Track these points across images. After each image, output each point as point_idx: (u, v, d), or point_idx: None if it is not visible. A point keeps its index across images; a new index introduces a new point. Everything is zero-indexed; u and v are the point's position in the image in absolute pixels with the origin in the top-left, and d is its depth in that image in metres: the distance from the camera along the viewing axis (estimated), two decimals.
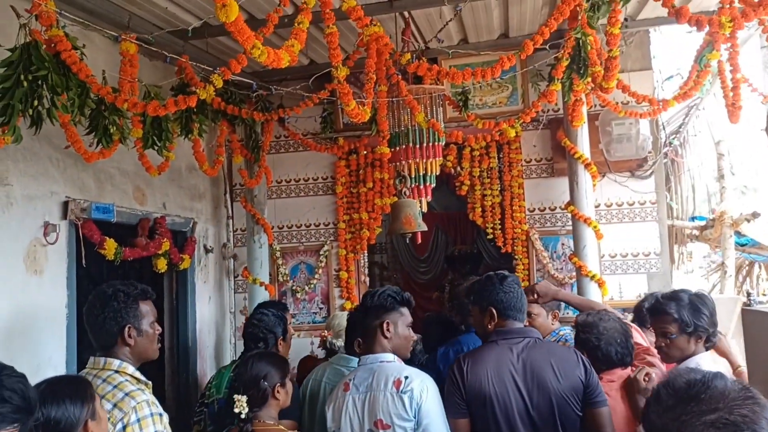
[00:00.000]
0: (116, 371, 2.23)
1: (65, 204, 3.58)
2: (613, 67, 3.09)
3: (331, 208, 5.49)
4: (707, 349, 2.58)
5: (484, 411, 2.42)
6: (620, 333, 2.69)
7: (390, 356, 2.60)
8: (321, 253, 5.44)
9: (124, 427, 2.08)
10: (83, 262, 3.63)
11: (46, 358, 3.33)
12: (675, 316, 2.51)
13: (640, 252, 4.94)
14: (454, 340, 3.44)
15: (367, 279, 5.60)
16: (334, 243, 5.45)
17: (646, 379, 2.59)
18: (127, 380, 2.20)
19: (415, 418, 2.40)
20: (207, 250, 5.22)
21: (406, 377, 2.46)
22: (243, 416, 2.46)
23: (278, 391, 2.55)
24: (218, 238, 5.47)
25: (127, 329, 2.27)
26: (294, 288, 5.44)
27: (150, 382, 2.32)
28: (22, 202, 3.30)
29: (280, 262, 5.46)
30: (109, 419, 2.08)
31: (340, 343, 3.59)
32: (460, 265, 7.97)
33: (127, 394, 2.14)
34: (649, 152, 4.92)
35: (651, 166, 4.97)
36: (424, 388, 2.44)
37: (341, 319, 3.70)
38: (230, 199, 5.59)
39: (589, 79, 3.65)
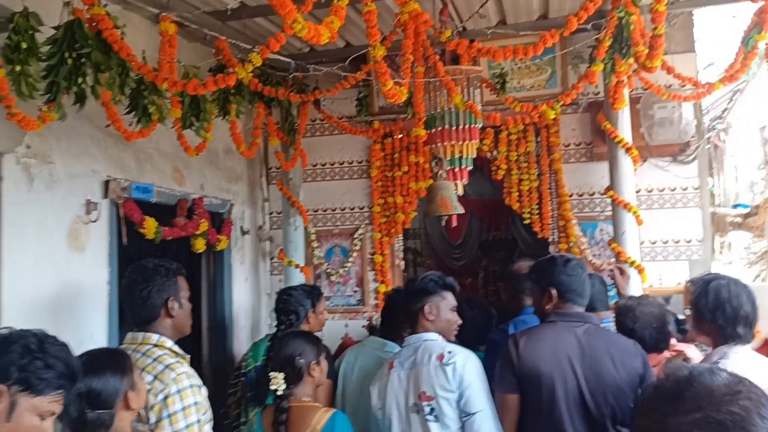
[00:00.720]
0: (155, 345, 2.27)
1: (106, 183, 3.65)
2: (657, 45, 3.00)
3: (365, 192, 5.48)
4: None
5: (537, 390, 2.39)
6: (657, 318, 2.68)
7: (434, 335, 2.66)
8: (355, 236, 5.45)
9: (165, 398, 2.12)
10: (123, 240, 3.70)
11: (89, 334, 3.41)
12: None
13: (681, 239, 4.83)
14: (519, 319, 3.34)
15: (402, 263, 5.60)
16: (369, 227, 5.45)
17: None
18: (165, 353, 2.24)
19: (457, 389, 2.44)
20: (243, 232, 5.27)
21: (449, 352, 2.53)
22: (279, 393, 2.49)
23: (313, 369, 2.58)
24: (254, 221, 5.52)
25: (170, 302, 2.31)
26: (328, 271, 5.47)
27: (188, 356, 2.36)
28: (65, 180, 3.37)
29: (315, 245, 5.49)
30: (149, 391, 2.13)
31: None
32: (495, 252, 7.93)
33: (166, 367, 2.18)
34: (692, 137, 4.79)
35: (694, 151, 4.83)
36: (467, 361, 2.50)
37: None
38: (266, 182, 5.63)
39: (632, 60, 3.56)
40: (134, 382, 2.04)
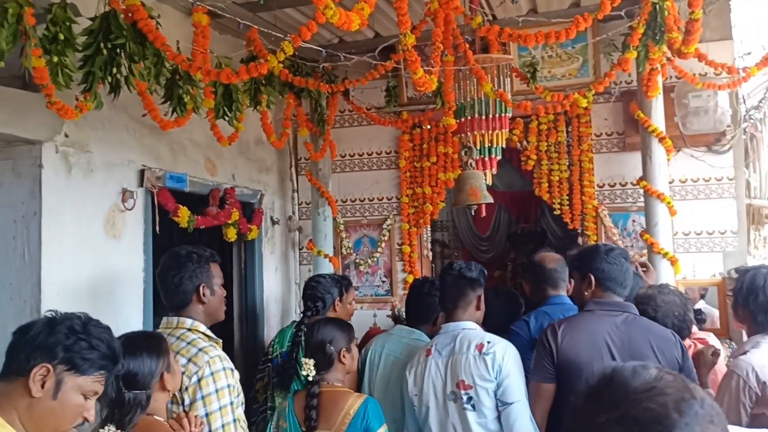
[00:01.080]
0: (189, 329, 2.32)
1: (141, 172, 3.72)
2: (694, 30, 2.95)
3: (394, 183, 5.49)
4: None
5: (575, 379, 2.36)
6: (678, 306, 2.67)
7: (473, 324, 2.69)
8: (384, 227, 5.47)
9: (199, 380, 2.17)
10: (157, 228, 3.77)
11: (125, 319, 3.49)
12: None
13: (715, 230, 4.74)
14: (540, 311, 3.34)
15: (430, 253, 5.60)
16: (397, 217, 5.46)
17: (713, 355, 2.53)
18: (199, 337, 2.29)
19: (496, 379, 2.47)
20: (273, 222, 5.33)
21: (488, 342, 2.56)
22: (311, 379, 2.53)
23: (344, 356, 2.61)
24: (284, 211, 5.58)
25: (201, 288, 2.36)
26: (357, 261, 5.50)
27: (220, 340, 2.40)
28: (102, 168, 3.45)
29: (343, 235, 5.53)
30: (184, 373, 2.18)
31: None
32: (523, 244, 7.87)
33: (200, 350, 2.22)
34: (728, 126, 4.68)
35: (729, 141, 4.73)
36: (506, 351, 2.52)
37: None
38: (296, 173, 5.68)
39: (665, 47, 3.50)
40: (170, 363, 2.09)
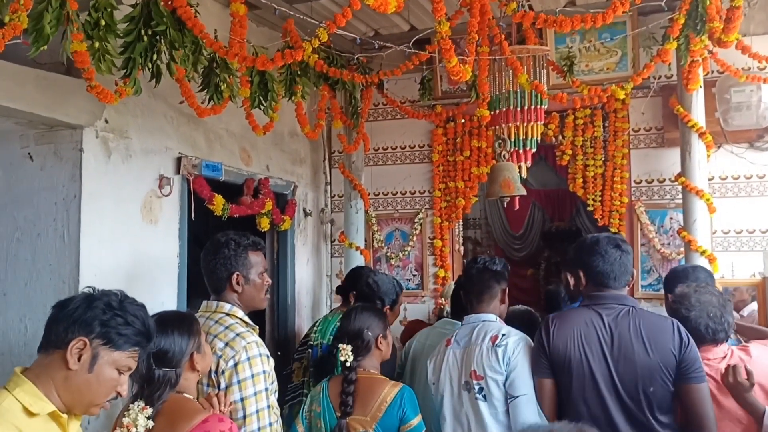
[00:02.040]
0: (227, 314, 2.33)
1: (178, 159, 3.79)
2: (734, 18, 2.87)
3: (426, 177, 5.48)
4: None
5: (567, 374, 2.37)
6: (716, 307, 2.51)
7: (493, 317, 2.70)
8: (416, 220, 5.46)
9: (236, 365, 2.18)
10: (192, 215, 3.84)
11: (159, 303, 3.56)
12: None
13: (756, 229, 4.61)
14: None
15: (462, 248, 5.58)
16: (429, 211, 5.45)
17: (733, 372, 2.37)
18: (236, 322, 2.31)
19: (505, 371, 2.47)
20: (306, 214, 5.37)
21: (503, 334, 2.56)
22: (348, 364, 2.54)
23: (381, 342, 2.64)
24: (317, 203, 5.62)
25: (235, 276, 2.36)
26: (388, 254, 5.51)
27: (257, 327, 2.42)
28: (140, 154, 3.52)
29: (375, 228, 5.54)
30: (221, 357, 2.20)
31: None
32: (557, 243, 7.77)
33: (237, 335, 2.24)
34: None
35: None
36: (518, 344, 2.51)
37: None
38: (329, 166, 5.71)
39: (707, 38, 3.42)
40: (200, 344, 2.12)
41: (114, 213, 3.32)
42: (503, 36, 3.63)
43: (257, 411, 2.17)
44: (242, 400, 2.16)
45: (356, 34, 4.93)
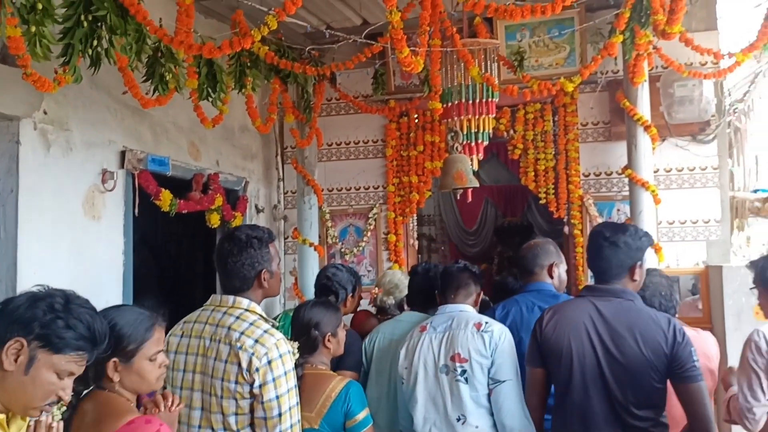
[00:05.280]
0: (246, 310, 2.24)
1: (122, 153, 3.67)
2: (678, 9, 2.95)
3: (380, 172, 5.47)
4: None
5: (557, 364, 2.38)
6: (665, 287, 2.75)
7: (470, 308, 2.79)
8: (370, 216, 5.44)
9: (270, 362, 2.10)
10: (136, 210, 3.71)
11: (104, 301, 3.41)
12: None
13: (699, 219, 4.76)
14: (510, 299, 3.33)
15: (416, 243, 5.59)
16: (383, 206, 5.44)
17: None
18: (258, 318, 2.22)
19: (491, 356, 2.55)
20: (258, 210, 5.29)
21: (486, 322, 2.65)
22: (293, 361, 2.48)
23: (329, 340, 2.57)
24: (269, 200, 5.53)
25: (263, 274, 2.28)
26: (343, 250, 5.47)
27: (277, 323, 2.34)
28: (82, 148, 3.39)
29: (329, 224, 5.49)
30: (253, 354, 2.10)
31: (390, 300, 3.62)
32: (509, 237, 7.88)
33: (265, 332, 2.16)
34: (712, 116, 4.72)
35: (714, 130, 4.76)
36: (503, 332, 2.62)
37: (392, 276, 3.75)
38: (281, 162, 5.64)
39: (651, 30, 3.50)
40: (138, 350, 1.99)
41: (54, 208, 3.19)
42: (455, 29, 3.64)
43: (290, 408, 2.12)
44: (278, 397, 2.09)
45: (308, 23, 4.89)
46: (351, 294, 3.25)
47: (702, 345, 2.68)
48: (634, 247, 2.37)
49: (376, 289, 3.86)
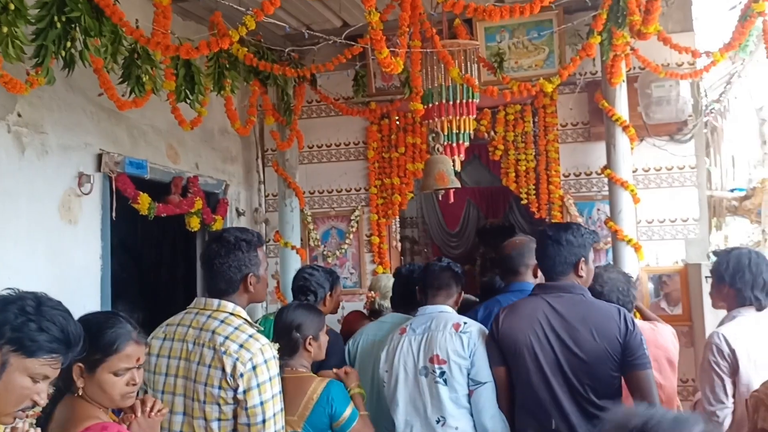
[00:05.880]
0: (231, 314, 2.20)
1: (99, 156, 3.62)
2: (653, 9, 2.98)
3: (362, 174, 5.45)
4: None
5: (516, 361, 2.43)
6: (623, 282, 2.83)
7: (450, 308, 2.77)
8: (352, 218, 5.42)
9: (254, 367, 2.07)
10: (113, 214, 3.67)
11: (81, 306, 3.34)
12: None
13: (678, 218, 4.81)
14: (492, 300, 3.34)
15: (399, 244, 5.58)
16: (366, 208, 5.43)
17: None
18: (243, 323, 2.19)
19: (470, 357, 2.54)
20: (239, 213, 5.25)
21: (465, 323, 2.64)
22: None
23: (310, 344, 2.55)
24: (250, 203, 5.50)
25: (249, 278, 2.24)
26: (325, 253, 5.44)
27: (262, 327, 2.32)
28: (57, 151, 3.35)
29: (311, 227, 5.46)
30: (237, 359, 2.07)
31: (387, 303, 3.63)
32: (492, 238, 7.90)
33: (250, 336, 2.13)
34: (689, 115, 4.77)
35: (691, 130, 4.82)
36: (481, 333, 2.60)
37: (387, 281, 3.79)
38: (262, 165, 5.60)
39: (627, 31, 3.53)
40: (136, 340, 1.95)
41: (30, 212, 3.14)
42: (434, 31, 3.64)
43: (274, 414, 2.10)
44: (262, 403, 2.07)
45: (287, 23, 4.87)
46: (330, 293, 3.24)
47: (656, 337, 2.81)
48: (576, 244, 2.47)
49: (372, 293, 3.88)
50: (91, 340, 1.77)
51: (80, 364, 1.78)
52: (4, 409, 1.54)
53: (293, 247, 5.16)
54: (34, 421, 1.76)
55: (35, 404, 1.60)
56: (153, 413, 1.93)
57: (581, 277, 2.48)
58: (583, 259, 2.47)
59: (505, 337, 2.45)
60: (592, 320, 2.36)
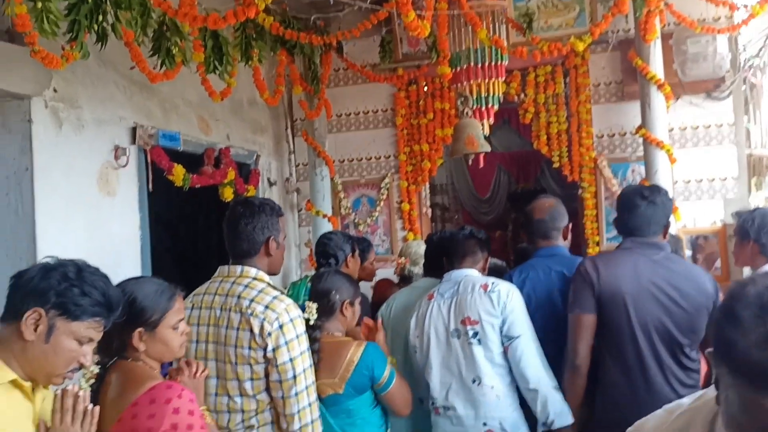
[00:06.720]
0: (254, 278, 2.28)
1: (133, 129, 3.68)
2: None
3: (391, 141, 5.44)
4: None
5: (616, 310, 2.48)
6: (672, 243, 2.86)
7: (476, 272, 2.82)
8: (382, 185, 5.43)
9: (281, 326, 2.15)
10: (150, 186, 3.74)
11: (122, 277, 3.46)
12: None
13: (716, 177, 4.70)
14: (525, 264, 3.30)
15: (429, 211, 5.58)
16: (395, 175, 5.43)
17: None
18: (266, 286, 2.26)
19: (501, 315, 2.59)
20: (270, 183, 5.30)
21: (493, 282, 2.68)
22: (311, 323, 2.52)
23: (346, 308, 2.61)
24: (281, 173, 5.54)
25: (270, 241, 2.32)
26: (356, 221, 5.48)
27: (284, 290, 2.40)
28: (93, 125, 3.41)
29: (342, 195, 5.49)
30: (264, 319, 2.15)
31: (417, 270, 3.68)
32: (523, 203, 7.83)
33: (275, 298, 2.21)
34: (727, 71, 4.63)
35: (729, 87, 4.67)
36: (510, 290, 2.65)
37: (417, 247, 3.83)
38: (292, 135, 5.63)
39: None
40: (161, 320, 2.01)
41: (69, 186, 3.22)
42: None
43: (304, 370, 2.18)
44: (291, 360, 2.15)
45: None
46: (351, 254, 3.36)
47: None
48: (668, 206, 2.60)
49: (402, 259, 3.93)
50: (145, 303, 1.87)
51: (140, 329, 1.87)
52: (54, 370, 1.62)
53: (325, 216, 5.21)
54: (93, 382, 1.84)
55: (81, 366, 1.67)
56: (198, 374, 2.02)
57: (665, 239, 2.60)
58: (669, 222, 2.61)
59: (608, 285, 2.49)
60: (692, 276, 2.49)
